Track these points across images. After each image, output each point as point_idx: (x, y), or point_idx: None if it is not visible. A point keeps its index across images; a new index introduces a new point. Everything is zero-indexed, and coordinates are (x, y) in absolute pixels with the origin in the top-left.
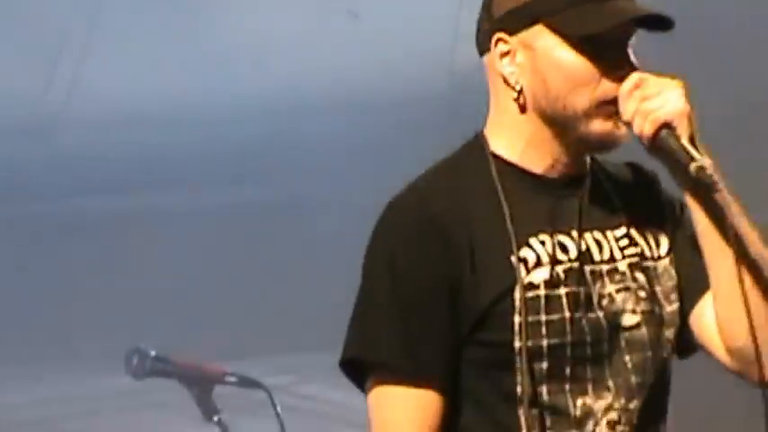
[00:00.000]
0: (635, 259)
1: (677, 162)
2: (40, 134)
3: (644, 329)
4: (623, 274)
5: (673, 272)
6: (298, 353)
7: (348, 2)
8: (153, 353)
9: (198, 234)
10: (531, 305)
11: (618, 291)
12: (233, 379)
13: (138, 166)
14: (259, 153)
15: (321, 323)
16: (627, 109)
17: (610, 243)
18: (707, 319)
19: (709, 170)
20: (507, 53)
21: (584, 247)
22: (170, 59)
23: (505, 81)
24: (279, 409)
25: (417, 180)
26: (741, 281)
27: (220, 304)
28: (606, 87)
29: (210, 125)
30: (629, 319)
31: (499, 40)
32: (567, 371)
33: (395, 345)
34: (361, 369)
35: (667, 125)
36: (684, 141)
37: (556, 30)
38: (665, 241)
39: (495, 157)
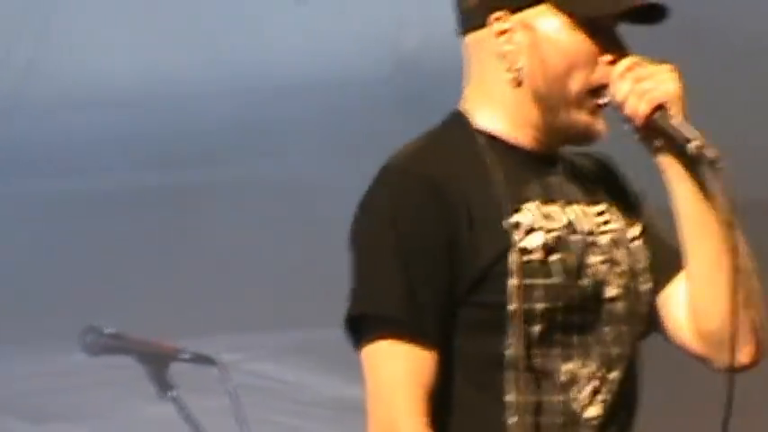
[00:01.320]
0: (614, 235)
1: (673, 140)
2: None
3: (622, 303)
4: (604, 247)
5: (644, 254)
6: (249, 331)
7: None
8: (107, 330)
9: (150, 214)
10: (526, 269)
11: (601, 263)
12: (186, 355)
13: (95, 148)
14: (213, 136)
15: (271, 302)
16: (620, 89)
17: (591, 218)
18: (676, 301)
19: (707, 147)
20: (504, 31)
21: (570, 219)
22: (124, 40)
23: (503, 58)
24: (231, 385)
25: (405, 148)
26: (734, 260)
27: (173, 283)
28: (602, 71)
29: (161, 108)
30: (610, 292)
31: (498, 18)
32: (557, 336)
33: (402, 301)
34: (364, 326)
35: (662, 105)
36: (680, 121)
37: (565, 10)
38: (636, 223)
39: (479, 131)
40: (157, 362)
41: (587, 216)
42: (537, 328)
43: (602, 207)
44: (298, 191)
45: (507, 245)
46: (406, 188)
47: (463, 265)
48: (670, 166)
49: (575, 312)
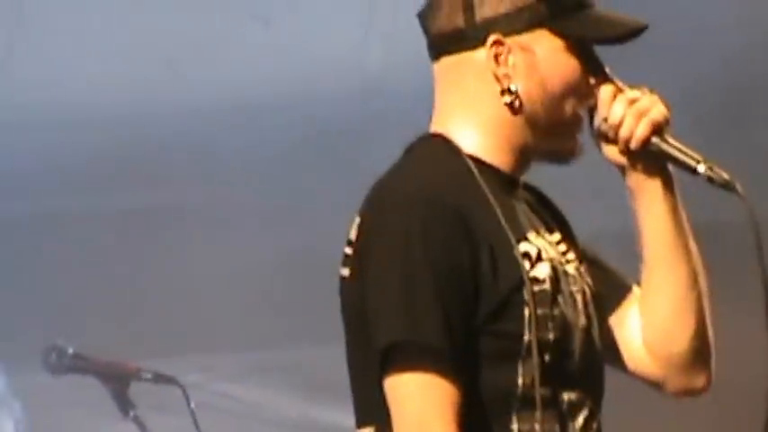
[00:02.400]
0: (575, 263)
1: (677, 163)
2: None
3: (593, 331)
4: (573, 276)
5: (590, 280)
6: (211, 352)
7: (259, 8)
8: (70, 350)
9: (114, 235)
10: (539, 299)
11: (576, 292)
12: (148, 375)
13: (58, 168)
14: (169, 157)
15: (235, 323)
16: (615, 112)
17: (555, 247)
18: (628, 326)
19: (718, 169)
20: (500, 54)
21: (551, 248)
22: (79, 59)
23: (497, 82)
24: (193, 405)
25: (406, 172)
26: (766, 282)
27: (134, 304)
28: (592, 95)
29: (117, 128)
30: (584, 320)
31: (496, 41)
32: (561, 365)
33: (443, 330)
34: (398, 353)
35: (658, 128)
36: (678, 143)
37: (563, 35)
38: (578, 251)
39: (466, 154)
40: (119, 382)
41: (552, 245)
42: (547, 358)
43: (558, 236)
44: (264, 212)
45: (520, 274)
46: (432, 212)
47: (484, 292)
48: (652, 190)
49: (570, 342)
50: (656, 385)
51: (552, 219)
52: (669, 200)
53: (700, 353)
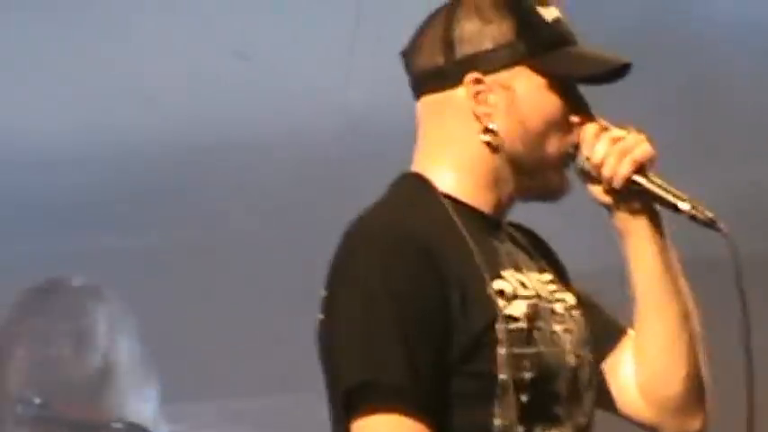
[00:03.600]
0: (564, 303)
1: (661, 202)
2: None
3: (582, 372)
4: (561, 315)
5: (584, 323)
6: (187, 401)
7: (239, 44)
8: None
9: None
10: (513, 337)
11: (563, 331)
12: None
13: (11, 211)
14: (149, 196)
15: (208, 372)
16: (598, 150)
17: (544, 286)
18: (622, 369)
19: (702, 207)
20: (480, 92)
21: (534, 286)
22: (56, 97)
23: (477, 120)
24: None
25: (377, 211)
26: (747, 323)
27: None
28: (574, 132)
29: (96, 166)
30: (571, 360)
31: (475, 79)
32: (541, 405)
33: (406, 370)
34: (362, 396)
35: (642, 167)
36: (662, 181)
37: (543, 72)
38: (572, 293)
39: (442, 194)
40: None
41: (542, 284)
42: (524, 398)
43: (549, 275)
44: (239, 251)
45: (494, 313)
46: (395, 249)
47: (455, 331)
48: (638, 229)
49: (552, 382)
50: (651, 429)
51: (544, 259)
52: (656, 239)
53: (694, 395)
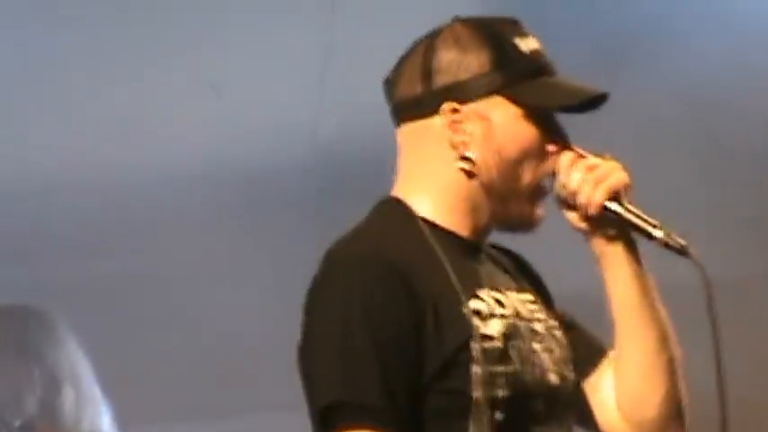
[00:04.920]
0: (545, 323)
1: (633, 227)
2: None
3: (563, 391)
4: (542, 335)
5: (566, 343)
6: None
7: (211, 77)
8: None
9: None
10: (488, 356)
11: (543, 350)
12: None
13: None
14: (120, 226)
15: (162, 396)
16: (573, 178)
17: (526, 305)
18: (603, 390)
19: (674, 235)
20: (457, 122)
21: (514, 305)
22: (21, 126)
23: (453, 149)
24: None
25: (354, 235)
26: (717, 348)
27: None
28: (551, 161)
29: (63, 197)
30: (553, 379)
31: (452, 109)
32: (517, 424)
33: (380, 389)
34: (336, 415)
35: (616, 194)
36: (636, 208)
37: (520, 102)
38: (553, 313)
39: (420, 218)
40: None
41: (523, 303)
42: (499, 416)
43: (530, 295)
44: (207, 281)
45: (469, 332)
46: (374, 274)
47: (429, 352)
48: (614, 255)
49: (529, 400)
50: None
51: (527, 281)
52: (632, 265)
53: (672, 417)
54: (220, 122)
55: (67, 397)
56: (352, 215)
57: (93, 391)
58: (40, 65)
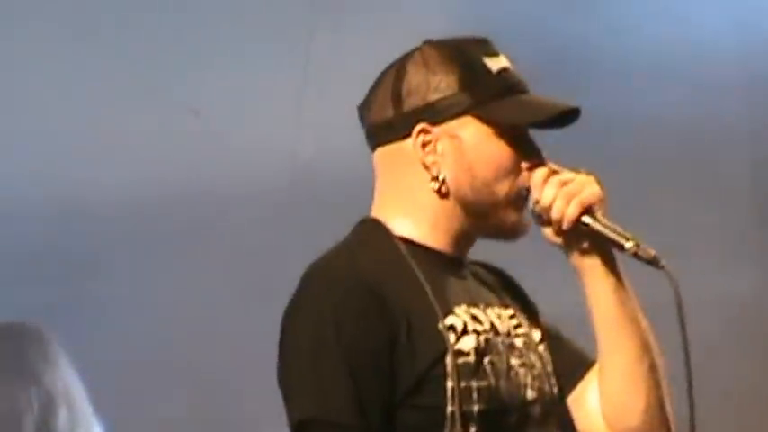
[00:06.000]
0: (526, 338)
1: (605, 240)
2: None
3: (539, 406)
4: (521, 350)
5: (549, 357)
6: None
7: (191, 100)
8: None
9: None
10: (462, 371)
11: (520, 365)
12: None
13: None
14: (100, 251)
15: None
16: (546, 194)
17: (506, 321)
18: (588, 401)
19: (645, 246)
20: (428, 142)
21: (491, 321)
22: (11, 149)
23: (426, 169)
24: None
25: (332, 255)
26: (687, 357)
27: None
28: (524, 177)
29: (42, 221)
30: (530, 394)
31: (422, 130)
32: None
33: (351, 405)
34: (310, 431)
35: (590, 208)
36: (608, 221)
37: (488, 120)
38: (538, 329)
39: (398, 237)
40: None
41: (502, 319)
42: (473, 430)
43: (511, 311)
44: (192, 301)
45: (444, 348)
46: (347, 293)
47: (402, 368)
48: (592, 268)
49: (504, 414)
50: None
51: (510, 297)
52: (610, 277)
53: (656, 426)
54: (200, 144)
55: (62, 416)
56: (332, 235)
57: (86, 409)
58: (19, 86)
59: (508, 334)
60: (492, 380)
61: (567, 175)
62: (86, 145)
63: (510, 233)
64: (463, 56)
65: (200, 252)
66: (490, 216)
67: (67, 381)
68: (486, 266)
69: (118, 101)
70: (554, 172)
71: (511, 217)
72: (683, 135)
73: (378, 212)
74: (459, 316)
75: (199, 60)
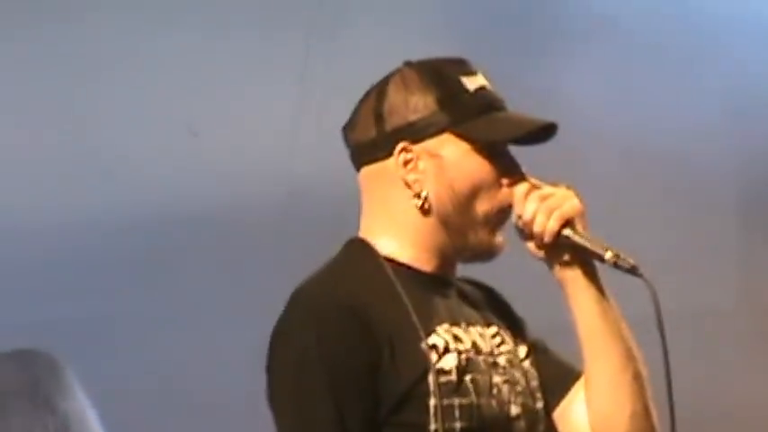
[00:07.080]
0: (509, 356)
1: (585, 253)
2: None
3: (523, 422)
4: (504, 367)
5: (534, 373)
6: None
7: (189, 120)
8: None
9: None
10: (444, 389)
11: (503, 382)
12: None
13: None
14: (106, 266)
15: None
16: (527, 209)
17: (488, 339)
18: (575, 414)
19: (623, 256)
20: (409, 161)
21: (473, 340)
22: (12, 169)
23: (408, 187)
24: None
25: (316, 277)
26: (667, 365)
27: None
28: (505, 192)
29: (41, 238)
30: (514, 410)
31: (403, 149)
32: None
33: (334, 427)
34: None
35: (570, 221)
36: (589, 234)
37: (466, 137)
38: (523, 345)
39: (383, 257)
40: None
41: (485, 337)
42: None
43: (495, 329)
44: (189, 318)
45: (426, 367)
46: (328, 315)
47: (385, 388)
48: (574, 279)
49: (487, 431)
50: None
51: (496, 314)
52: (592, 288)
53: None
54: (197, 164)
55: None
56: (327, 254)
57: None
58: (14, 104)
59: (491, 353)
60: (474, 397)
61: (547, 189)
62: (84, 165)
63: (486, 252)
64: (441, 76)
65: (194, 272)
66: (469, 234)
67: (82, 409)
68: (475, 283)
69: (116, 120)
70: (534, 187)
71: (486, 237)
72: (667, 147)
73: (364, 232)
74: (440, 335)
75: (196, 81)
